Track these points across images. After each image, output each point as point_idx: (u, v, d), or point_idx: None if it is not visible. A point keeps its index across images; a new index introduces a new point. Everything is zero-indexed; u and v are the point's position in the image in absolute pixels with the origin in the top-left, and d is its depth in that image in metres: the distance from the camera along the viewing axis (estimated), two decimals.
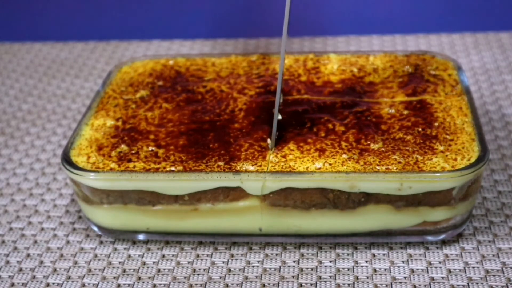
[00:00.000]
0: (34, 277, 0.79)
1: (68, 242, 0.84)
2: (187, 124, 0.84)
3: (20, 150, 1.01)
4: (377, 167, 0.76)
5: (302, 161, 0.77)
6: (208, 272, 0.78)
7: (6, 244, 0.84)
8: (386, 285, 0.75)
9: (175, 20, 1.29)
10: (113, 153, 0.80)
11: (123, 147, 0.81)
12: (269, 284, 0.76)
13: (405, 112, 0.84)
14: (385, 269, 0.77)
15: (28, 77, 1.20)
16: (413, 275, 0.76)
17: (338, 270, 0.77)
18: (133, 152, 0.80)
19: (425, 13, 1.26)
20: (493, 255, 0.78)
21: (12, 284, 0.78)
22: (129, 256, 0.81)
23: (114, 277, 0.78)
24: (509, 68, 1.14)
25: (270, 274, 0.78)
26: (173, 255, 0.81)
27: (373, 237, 0.80)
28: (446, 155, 0.77)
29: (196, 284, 0.77)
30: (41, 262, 0.81)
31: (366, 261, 0.78)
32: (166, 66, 0.97)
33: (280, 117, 0.80)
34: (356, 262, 0.78)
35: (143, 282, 0.77)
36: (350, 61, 0.95)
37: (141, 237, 0.82)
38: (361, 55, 0.96)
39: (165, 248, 0.82)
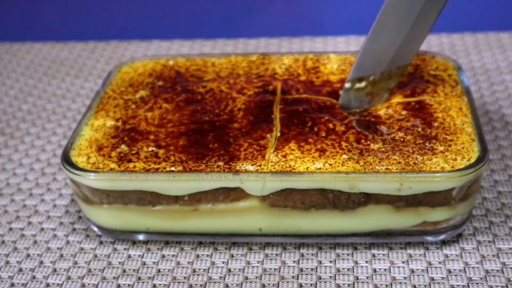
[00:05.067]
0: (34, 277, 0.79)
1: (68, 242, 0.84)
2: (187, 124, 0.84)
3: (20, 150, 1.01)
4: (377, 167, 0.76)
5: (303, 161, 0.77)
6: (208, 272, 0.78)
7: (6, 244, 0.84)
8: (386, 285, 0.75)
9: (175, 20, 1.30)
10: (113, 154, 0.80)
11: (123, 147, 0.81)
12: (269, 284, 0.76)
13: (405, 112, 0.84)
14: (385, 270, 0.77)
15: (28, 77, 1.20)
16: (413, 275, 0.76)
17: (338, 270, 0.78)
18: (133, 152, 0.80)
19: None
20: (493, 256, 0.78)
21: (12, 284, 0.78)
22: (129, 256, 0.81)
23: (114, 277, 0.78)
24: (509, 68, 1.14)
25: (270, 274, 0.78)
26: (173, 255, 0.81)
27: (373, 238, 0.80)
28: (446, 155, 0.77)
29: (196, 284, 0.77)
30: (41, 262, 0.81)
31: (366, 262, 0.78)
32: (166, 66, 0.97)
33: None
34: (356, 263, 0.78)
35: (143, 282, 0.77)
36: (350, 61, 0.95)
37: (141, 237, 0.82)
38: None
39: (165, 248, 0.82)
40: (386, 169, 0.75)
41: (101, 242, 0.83)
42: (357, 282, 0.76)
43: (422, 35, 0.82)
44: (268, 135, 0.81)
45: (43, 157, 0.99)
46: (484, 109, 1.03)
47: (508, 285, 0.74)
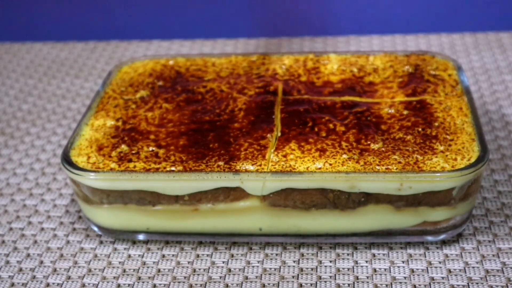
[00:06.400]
0: (34, 277, 0.79)
1: (68, 242, 0.84)
2: (187, 124, 0.84)
3: (20, 150, 1.01)
4: (377, 167, 0.76)
5: (303, 161, 0.77)
6: (208, 272, 0.78)
7: (6, 244, 0.84)
8: (386, 285, 0.75)
9: (175, 20, 1.30)
10: (113, 153, 0.80)
11: (123, 147, 0.81)
12: (269, 284, 0.76)
13: (405, 112, 0.84)
14: (385, 269, 0.77)
15: (28, 77, 1.21)
16: (413, 275, 0.76)
17: (338, 270, 0.78)
18: (133, 152, 0.80)
19: (425, 13, 1.26)
20: (493, 255, 0.78)
21: (12, 284, 0.78)
22: (129, 256, 0.81)
23: (114, 277, 0.78)
24: (509, 68, 1.14)
25: (270, 274, 0.78)
26: (173, 255, 0.81)
27: (373, 237, 0.80)
28: (446, 155, 0.77)
29: (196, 284, 0.77)
30: (41, 262, 0.81)
31: (366, 261, 0.78)
32: (166, 66, 0.97)
33: None
34: (356, 262, 0.78)
35: (143, 282, 0.77)
36: (350, 61, 0.95)
37: (141, 237, 0.82)
38: (361, 55, 0.96)
39: (165, 248, 0.82)
40: (386, 169, 0.75)
41: (101, 242, 0.83)
42: (357, 282, 0.76)
43: None
44: (268, 135, 0.81)
45: (43, 157, 0.99)
46: (484, 109, 1.03)
47: (508, 285, 0.74)
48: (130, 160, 0.79)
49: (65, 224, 0.86)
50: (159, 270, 0.79)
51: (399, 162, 0.76)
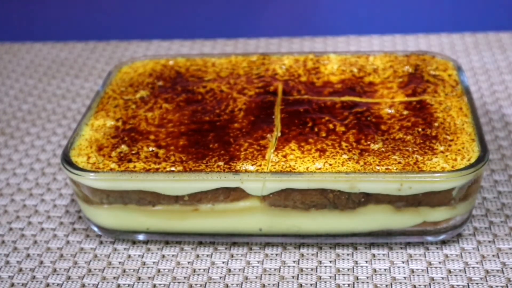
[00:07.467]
0: (34, 277, 0.79)
1: (68, 242, 0.84)
2: (187, 124, 0.84)
3: (20, 150, 1.01)
4: (377, 167, 0.76)
5: (303, 161, 0.77)
6: (208, 272, 0.78)
7: (6, 244, 0.84)
8: (386, 286, 0.75)
9: (175, 20, 1.30)
10: (113, 154, 0.80)
11: (123, 147, 0.81)
12: (269, 284, 0.76)
13: (405, 112, 0.84)
14: (385, 269, 0.77)
15: (28, 77, 1.20)
16: (413, 275, 0.76)
17: (338, 270, 0.78)
18: (133, 152, 0.80)
19: (425, 13, 1.26)
20: (493, 256, 0.78)
21: (12, 284, 0.78)
22: (129, 256, 0.81)
23: (114, 277, 0.78)
24: (509, 68, 1.14)
25: (270, 274, 0.78)
26: (173, 255, 0.81)
27: (373, 237, 0.80)
28: (446, 155, 0.77)
29: (196, 284, 0.77)
30: (41, 262, 0.81)
31: (366, 262, 0.78)
32: (166, 66, 0.97)
33: None
34: (356, 263, 0.78)
35: (143, 282, 0.77)
36: (350, 61, 0.95)
37: (141, 237, 0.82)
38: (361, 55, 0.96)
39: (165, 248, 0.82)
40: (386, 169, 0.75)
41: (101, 242, 0.83)
42: (357, 282, 0.76)
43: None
44: (268, 135, 0.81)
45: (43, 157, 0.99)
46: (484, 109, 1.03)
47: (508, 285, 0.74)
48: (130, 160, 0.79)
49: (65, 224, 0.86)
50: (159, 270, 0.79)
51: (399, 163, 0.76)
